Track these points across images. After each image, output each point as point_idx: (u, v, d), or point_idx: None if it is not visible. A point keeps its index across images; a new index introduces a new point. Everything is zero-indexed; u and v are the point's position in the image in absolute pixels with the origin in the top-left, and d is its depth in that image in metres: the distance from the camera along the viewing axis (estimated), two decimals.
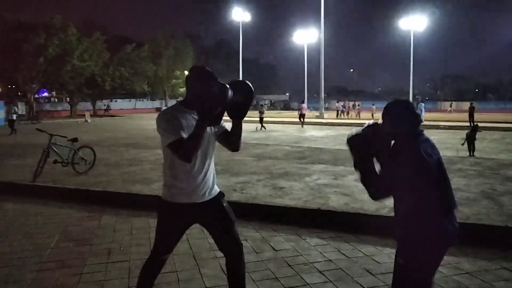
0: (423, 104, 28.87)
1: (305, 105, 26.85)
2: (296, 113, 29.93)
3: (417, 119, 2.46)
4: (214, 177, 2.88)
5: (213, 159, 2.87)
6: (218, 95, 2.48)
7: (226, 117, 2.70)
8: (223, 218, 2.87)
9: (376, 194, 2.44)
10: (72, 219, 5.81)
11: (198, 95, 2.58)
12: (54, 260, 4.28)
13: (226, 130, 2.87)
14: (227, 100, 2.50)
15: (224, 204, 2.90)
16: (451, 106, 54.37)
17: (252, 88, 2.70)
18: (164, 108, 2.82)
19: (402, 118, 2.40)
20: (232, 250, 2.91)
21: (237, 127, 2.78)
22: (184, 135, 2.55)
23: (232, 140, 2.85)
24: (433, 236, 2.35)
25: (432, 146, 2.41)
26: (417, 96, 30.18)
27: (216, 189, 2.91)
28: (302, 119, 25.31)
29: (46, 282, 3.77)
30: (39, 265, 4.16)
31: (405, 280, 2.43)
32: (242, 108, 2.68)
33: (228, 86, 2.54)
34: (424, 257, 2.37)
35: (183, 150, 2.51)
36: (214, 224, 2.90)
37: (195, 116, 2.61)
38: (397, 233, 2.48)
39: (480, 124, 22.40)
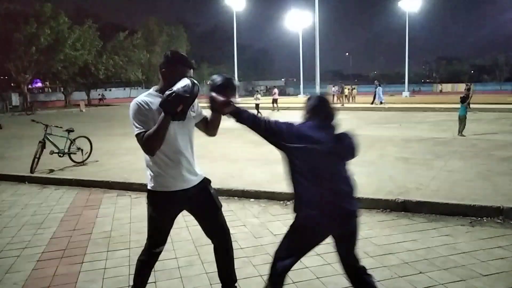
0: (381, 88, 30.56)
1: (276, 90, 28.79)
2: (293, 99, 30.51)
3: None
4: (195, 162, 2.87)
5: (194, 144, 2.87)
6: (182, 92, 2.42)
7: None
8: (210, 204, 2.91)
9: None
10: (70, 209, 5.83)
11: (172, 82, 2.55)
12: (54, 250, 4.31)
13: (205, 117, 2.89)
14: (191, 98, 2.45)
15: (212, 191, 2.93)
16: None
17: (237, 84, 2.69)
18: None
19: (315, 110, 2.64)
20: (219, 236, 2.96)
21: (216, 119, 2.80)
22: (147, 127, 2.53)
23: (209, 127, 2.89)
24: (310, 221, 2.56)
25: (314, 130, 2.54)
26: (375, 81, 31.83)
27: (201, 175, 2.91)
28: (275, 104, 27.04)
29: (47, 272, 3.79)
30: (39, 255, 4.19)
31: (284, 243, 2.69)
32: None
33: (194, 83, 2.48)
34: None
35: (144, 143, 2.52)
36: (201, 210, 2.92)
37: None
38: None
39: (476, 106, 22.54)
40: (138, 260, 2.96)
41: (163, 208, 2.79)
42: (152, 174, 2.75)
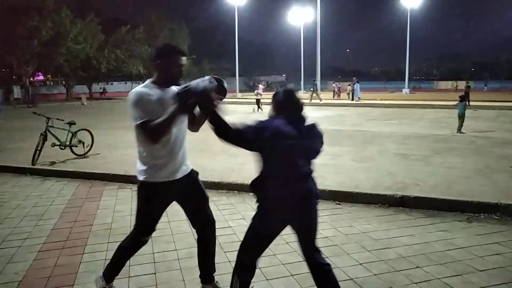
0: (358, 85, 31.37)
1: (261, 86, 28.88)
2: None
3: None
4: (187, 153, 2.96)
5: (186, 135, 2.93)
6: (195, 85, 2.48)
7: None
8: (199, 195, 2.99)
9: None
10: (72, 200, 5.87)
11: (168, 73, 2.66)
12: (55, 241, 4.35)
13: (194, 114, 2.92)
14: (204, 92, 2.49)
15: (200, 182, 3.01)
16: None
17: (226, 86, 2.70)
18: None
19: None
20: (204, 226, 3.04)
21: (203, 118, 2.79)
22: (150, 116, 2.58)
23: (195, 124, 2.92)
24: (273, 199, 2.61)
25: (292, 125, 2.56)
26: (354, 78, 32.88)
27: (189, 166, 2.97)
28: (258, 103, 26.50)
29: (48, 263, 3.83)
30: (40, 246, 4.23)
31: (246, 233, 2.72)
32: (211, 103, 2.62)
33: (215, 79, 2.56)
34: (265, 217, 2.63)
35: (152, 131, 2.55)
36: (190, 200, 2.98)
37: (165, 91, 2.70)
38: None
39: (475, 103, 22.53)
40: (121, 246, 3.01)
41: (158, 198, 2.84)
42: (147, 165, 2.77)
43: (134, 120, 2.61)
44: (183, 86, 2.52)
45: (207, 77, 2.57)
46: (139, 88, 2.71)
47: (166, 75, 2.66)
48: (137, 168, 2.83)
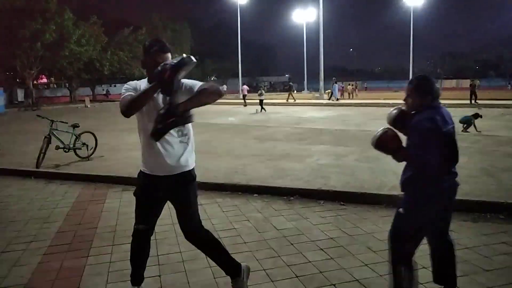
0: (337, 86, 33.03)
1: (246, 87, 31.20)
2: (296, 95, 31.57)
3: (438, 91, 2.79)
4: (185, 153, 2.84)
5: (188, 136, 2.87)
6: (170, 61, 2.50)
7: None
8: (183, 201, 2.94)
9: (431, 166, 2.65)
10: (76, 203, 5.88)
11: (150, 69, 2.67)
12: (60, 244, 4.35)
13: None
14: (178, 65, 2.45)
15: (188, 187, 2.91)
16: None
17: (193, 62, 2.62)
18: None
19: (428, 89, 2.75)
20: (190, 233, 3.00)
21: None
22: (132, 92, 2.70)
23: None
24: (432, 191, 2.73)
25: (443, 115, 2.70)
26: (333, 78, 34.00)
27: (188, 166, 2.88)
28: (244, 100, 29.08)
29: (53, 266, 3.83)
30: (45, 249, 4.23)
31: (400, 228, 2.84)
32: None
33: (187, 57, 2.51)
34: (422, 209, 2.77)
35: (125, 102, 2.60)
36: (176, 203, 2.96)
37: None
38: (404, 188, 2.91)
39: (480, 102, 22.44)
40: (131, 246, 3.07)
41: (142, 187, 2.92)
42: (142, 156, 2.90)
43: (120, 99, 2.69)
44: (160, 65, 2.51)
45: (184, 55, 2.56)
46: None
47: (150, 72, 2.69)
48: None
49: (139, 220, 2.96)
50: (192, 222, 2.98)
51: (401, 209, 2.85)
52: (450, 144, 2.72)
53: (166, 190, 2.88)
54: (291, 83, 39.38)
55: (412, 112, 2.82)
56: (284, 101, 32.45)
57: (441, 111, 2.72)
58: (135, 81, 2.86)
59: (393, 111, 2.96)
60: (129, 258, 3.07)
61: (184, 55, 2.54)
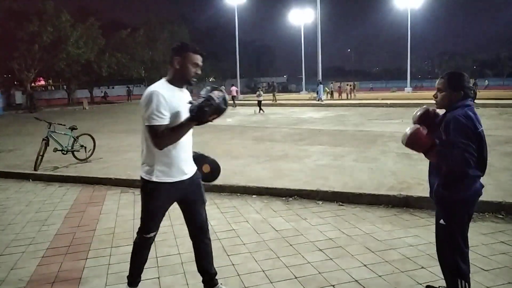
0: (321, 87, 33.03)
1: (235, 88, 32.05)
2: (295, 95, 31.94)
3: (471, 90, 2.81)
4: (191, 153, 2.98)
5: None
6: (220, 103, 2.49)
7: None
8: (199, 198, 3.01)
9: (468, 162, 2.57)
10: (74, 205, 5.87)
11: (184, 71, 2.68)
12: (59, 246, 4.34)
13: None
14: (224, 109, 2.52)
15: (201, 185, 3.04)
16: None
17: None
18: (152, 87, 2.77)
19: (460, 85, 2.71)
20: (198, 230, 3.06)
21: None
22: (167, 120, 2.59)
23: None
24: (470, 193, 2.74)
25: (476, 115, 2.67)
26: (318, 79, 34.40)
27: (194, 166, 2.99)
28: (234, 101, 29.69)
29: (52, 268, 3.83)
30: (43, 251, 4.23)
31: (448, 240, 2.79)
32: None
33: (221, 96, 2.53)
34: (462, 213, 2.78)
35: (160, 138, 2.57)
36: (190, 202, 2.99)
37: (182, 91, 2.75)
38: (437, 196, 2.82)
39: (477, 101, 22.43)
40: (133, 251, 3.04)
41: (160, 198, 2.85)
42: (157, 166, 2.76)
43: (145, 120, 2.60)
44: (201, 101, 2.46)
45: (221, 92, 2.54)
46: (157, 87, 2.67)
47: (182, 73, 2.69)
48: (142, 167, 2.84)
49: (154, 229, 2.95)
50: (204, 215, 3.07)
51: (441, 221, 2.80)
52: (482, 146, 2.65)
53: (183, 192, 2.90)
54: (275, 84, 39.75)
55: (439, 110, 2.84)
56: (271, 102, 32.02)
57: (474, 111, 2.67)
58: (162, 94, 2.59)
59: (418, 111, 2.92)
60: (128, 260, 3.07)
61: (222, 93, 2.53)
